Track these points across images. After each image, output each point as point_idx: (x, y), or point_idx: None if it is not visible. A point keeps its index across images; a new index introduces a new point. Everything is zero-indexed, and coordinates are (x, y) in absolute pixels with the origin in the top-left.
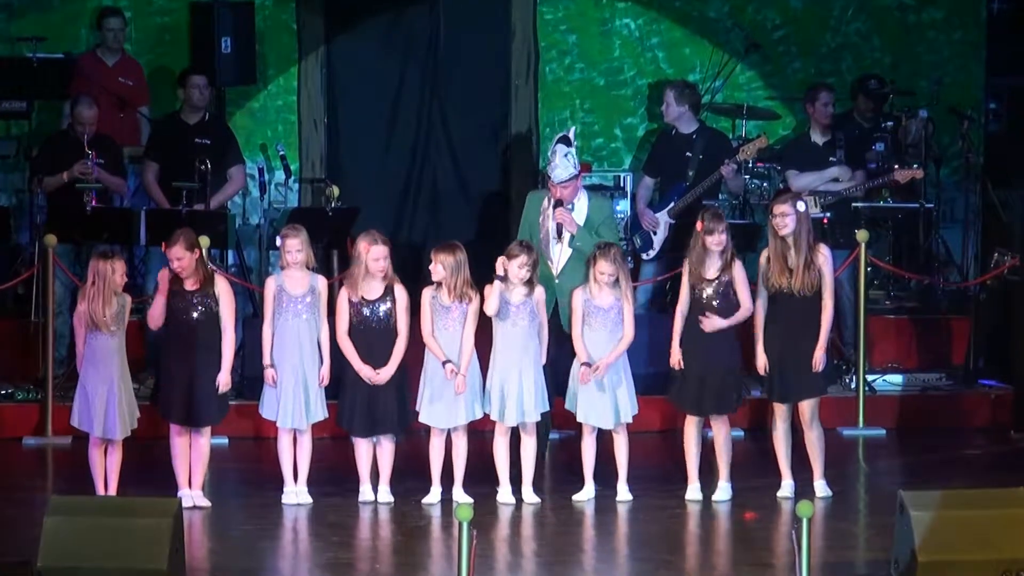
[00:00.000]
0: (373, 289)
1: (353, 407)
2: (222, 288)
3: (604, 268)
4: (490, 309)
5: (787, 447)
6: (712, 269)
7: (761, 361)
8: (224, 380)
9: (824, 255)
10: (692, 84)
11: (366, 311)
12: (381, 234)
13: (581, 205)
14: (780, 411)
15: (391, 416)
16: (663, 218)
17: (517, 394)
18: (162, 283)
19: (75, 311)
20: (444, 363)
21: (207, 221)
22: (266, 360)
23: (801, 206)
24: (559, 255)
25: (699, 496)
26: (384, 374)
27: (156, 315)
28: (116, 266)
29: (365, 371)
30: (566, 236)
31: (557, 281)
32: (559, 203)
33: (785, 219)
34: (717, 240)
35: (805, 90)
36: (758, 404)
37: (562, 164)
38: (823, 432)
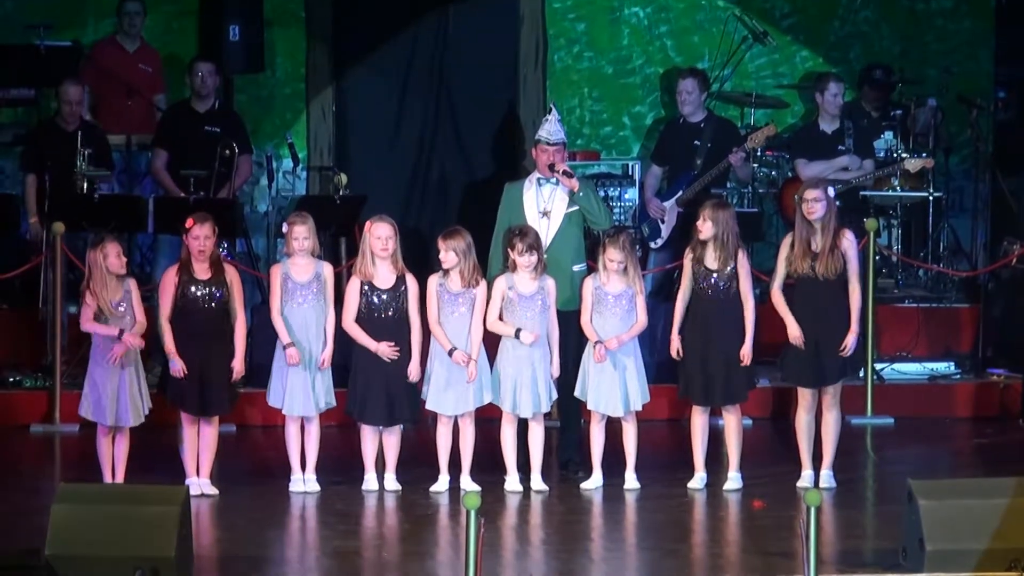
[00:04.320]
0: (384, 278)
1: (366, 396)
2: (232, 276)
3: (613, 255)
4: (491, 319)
5: (809, 437)
6: (714, 259)
7: (795, 332)
8: (238, 367)
9: (849, 239)
10: (705, 72)
11: (376, 300)
12: (388, 216)
13: (563, 184)
14: (804, 400)
15: (404, 405)
16: (671, 207)
17: (530, 386)
18: (167, 287)
19: (82, 306)
20: (451, 351)
21: (216, 209)
22: (286, 339)
23: (831, 191)
24: (546, 233)
25: (702, 485)
26: (413, 371)
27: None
28: (107, 250)
29: (383, 348)
30: (555, 212)
31: (546, 257)
32: (552, 166)
33: (816, 204)
34: (698, 227)
35: (814, 79)
36: (765, 393)
37: (556, 127)
38: (840, 418)
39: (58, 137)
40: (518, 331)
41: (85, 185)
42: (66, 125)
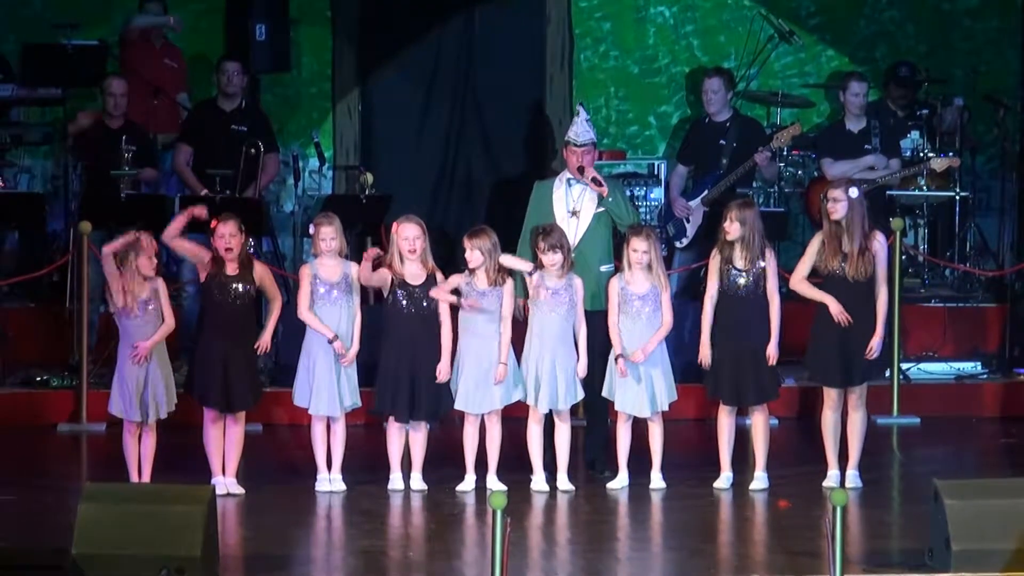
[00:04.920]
0: (414, 275)
1: (394, 393)
2: (261, 271)
3: (637, 245)
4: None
5: (836, 436)
6: (742, 259)
7: (835, 308)
8: (265, 342)
9: (879, 241)
10: (731, 72)
11: (406, 299)
12: (416, 216)
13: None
14: (830, 399)
15: (429, 403)
16: (696, 206)
17: (550, 381)
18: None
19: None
20: (331, 340)
21: (242, 208)
22: (329, 333)
23: (854, 192)
24: (574, 232)
25: (728, 485)
26: (443, 371)
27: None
28: (139, 248)
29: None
30: (584, 212)
31: (573, 256)
32: (581, 169)
33: (837, 204)
34: (726, 228)
35: (840, 78)
36: (791, 393)
37: (584, 127)
38: (866, 418)
39: (101, 133)
40: (537, 266)
41: (124, 184)
42: (111, 121)
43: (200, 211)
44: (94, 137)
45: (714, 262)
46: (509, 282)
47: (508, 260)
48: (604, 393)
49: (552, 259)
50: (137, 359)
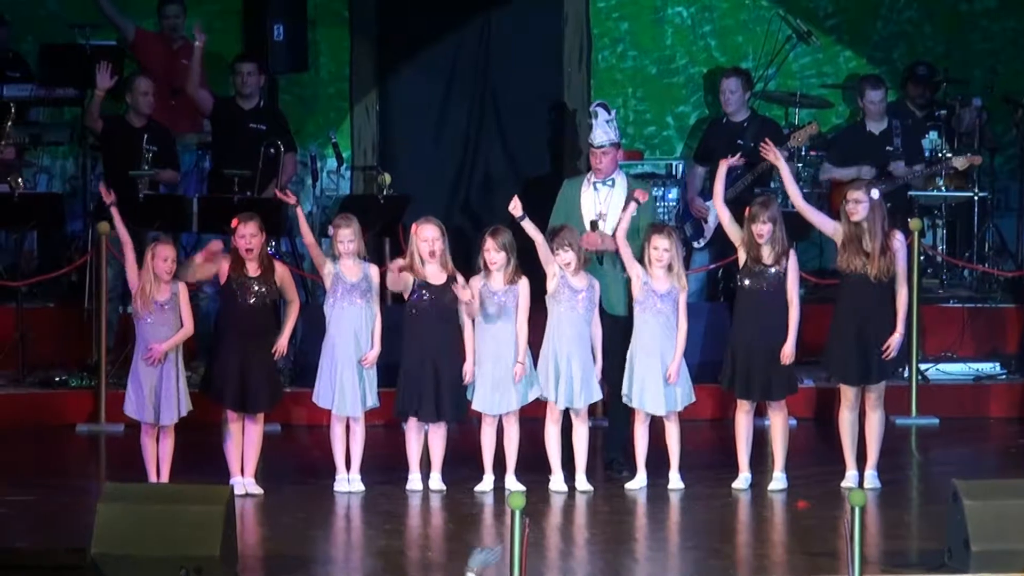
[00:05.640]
0: (435, 275)
1: (421, 393)
2: (282, 272)
3: (658, 243)
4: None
5: (853, 436)
6: (768, 255)
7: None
8: (282, 345)
9: (899, 240)
10: (749, 72)
11: (427, 300)
12: (436, 218)
13: (620, 186)
14: (847, 398)
15: (451, 404)
16: (713, 206)
17: (567, 379)
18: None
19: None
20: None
21: (261, 209)
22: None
23: (875, 194)
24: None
25: (746, 486)
26: (468, 372)
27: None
28: (156, 251)
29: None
30: (612, 214)
31: (601, 264)
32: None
33: (857, 206)
34: (759, 230)
35: (857, 79)
36: (809, 394)
37: (602, 128)
38: (884, 418)
39: (125, 133)
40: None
41: (143, 185)
42: (135, 120)
43: (216, 246)
44: (116, 135)
45: (741, 248)
46: (524, 280)
47: (527, 225)
48: (624, 392)
49: (564, 258)
50: (151, 360)
